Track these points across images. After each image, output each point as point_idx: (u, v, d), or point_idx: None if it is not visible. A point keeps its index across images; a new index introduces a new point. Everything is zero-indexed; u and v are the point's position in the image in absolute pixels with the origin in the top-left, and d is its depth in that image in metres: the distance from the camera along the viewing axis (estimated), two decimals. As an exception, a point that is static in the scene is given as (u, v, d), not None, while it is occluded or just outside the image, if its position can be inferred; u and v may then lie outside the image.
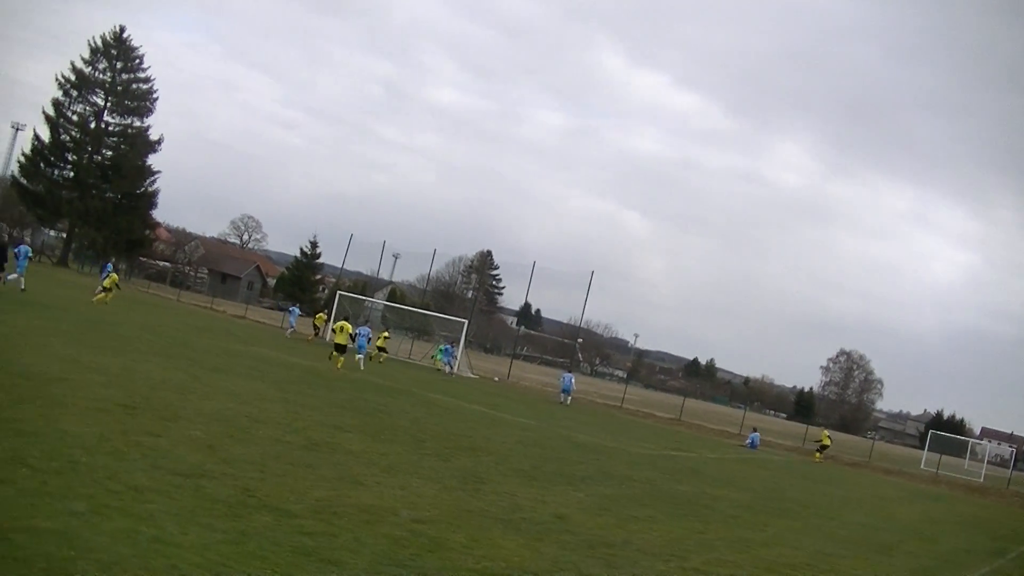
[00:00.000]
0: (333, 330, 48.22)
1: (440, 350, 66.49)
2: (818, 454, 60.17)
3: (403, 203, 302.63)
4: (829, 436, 63.48)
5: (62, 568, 7.89)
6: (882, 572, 18.27)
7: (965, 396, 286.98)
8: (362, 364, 49.02)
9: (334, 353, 44.23)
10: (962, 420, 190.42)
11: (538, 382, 71.92)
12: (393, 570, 10.50)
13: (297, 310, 67.70)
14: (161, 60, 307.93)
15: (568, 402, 59.94)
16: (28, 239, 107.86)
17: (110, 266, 51.95)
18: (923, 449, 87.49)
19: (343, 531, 11.73)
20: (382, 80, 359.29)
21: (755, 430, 61.70)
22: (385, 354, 61.55)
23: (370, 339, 56.24)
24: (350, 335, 46.10)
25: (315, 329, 63.30)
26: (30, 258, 48.54)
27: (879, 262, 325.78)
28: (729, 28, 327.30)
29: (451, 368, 64.57)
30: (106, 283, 52.16)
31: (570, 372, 66.73)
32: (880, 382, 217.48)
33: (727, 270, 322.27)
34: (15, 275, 45.21)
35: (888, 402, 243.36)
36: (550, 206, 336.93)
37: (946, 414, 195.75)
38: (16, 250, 48.16)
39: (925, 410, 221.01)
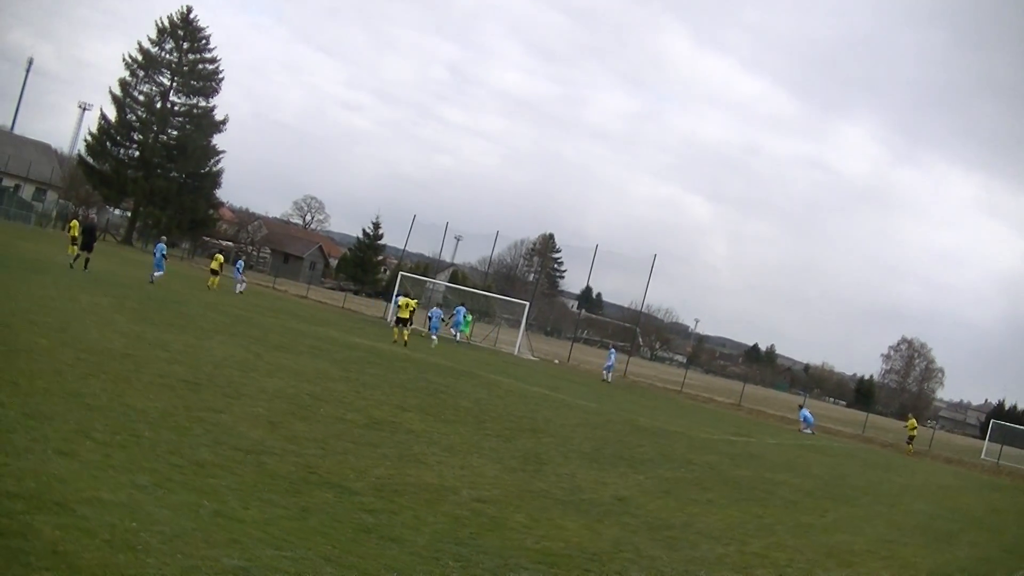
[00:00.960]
0: (399, 305, 49.99)
1: (451, 319, 64.75)
2: (910, 446, 60.06)
3: (466, 185, 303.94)
4: (915, 423, 63.17)
5: (125, 539, 7.92)
6: (944, 561, 18.07)
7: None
8: (433, 343, 51.21)
9: (395, 328, 48.28)
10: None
11: (598, 365, 71.66)
12: (453, 548, 10.49)
13: (242, 263, 65.70)
14: (227, 41, 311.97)
15: (609, 378, 60.18)
16: (95, 218, 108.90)
17: (163, 245, 52.16)
18: (984, 439, 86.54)
19: (403, 509, 11.75)
20: (447, 62, 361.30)
21: (801, 406, 61.38)
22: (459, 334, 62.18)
23: (443, 319, 56.81)
24: (411, 311, 48.96)
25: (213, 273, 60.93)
26: (164, 256, 51.25)
27: (943, 250, 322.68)
28: (795, 12, 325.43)
29: (458, 334, 63.31)
30: (213, 265, 53.85)
31: (613, 349, 67.03)
32: (941, 371, 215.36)
33: (789, 256, 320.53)
34: (159, 272, 48.65)
35: (949, 391, 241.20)
36: (614, 190, 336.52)
37: (1008, 404, 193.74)
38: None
39: (987, 400, 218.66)
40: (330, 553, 9.22)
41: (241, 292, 57.99)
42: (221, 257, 60.85)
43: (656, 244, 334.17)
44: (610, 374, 61.29)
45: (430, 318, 57.10)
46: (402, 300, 49.95)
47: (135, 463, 10.68)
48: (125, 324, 24.50)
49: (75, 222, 53.00)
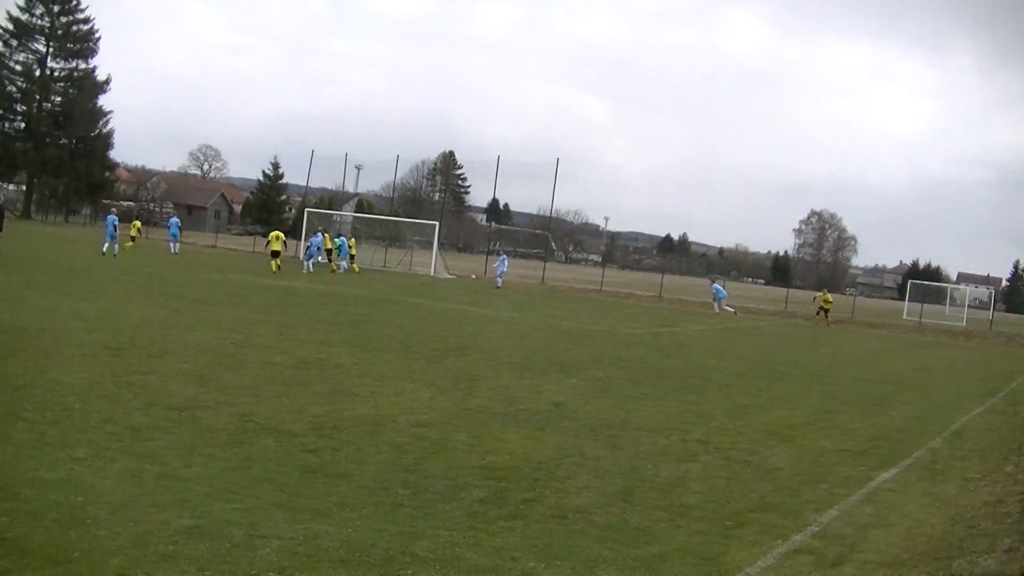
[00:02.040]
0: (269, 240, 54.41)
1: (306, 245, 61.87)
2: (824, 317, 56.41)
3: (361, 115, 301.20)
4: (829, 297, 58.99)
5: (73, 515, 7.86)
6: (881, 424, 18.42)
7: (939, 244, 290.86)
8: (305, 270, 54.43)
9: (272, 260, 52.24)
10: (938, 268, 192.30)
11: (515, 275, 71.90)
12: (400, 476, 10.52)
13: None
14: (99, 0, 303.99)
15: (500, 284, 59.96)
16: (2, 198, 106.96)
17: (114, 217, 51.61)
18: (904, 300, 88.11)
19: (345, 444, 11.75)
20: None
21: (713, 281, 62.14)
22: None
23: (320, 248, 56.82)
24: (282, 242, 53.86)
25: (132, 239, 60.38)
26: (181, 228, 55.66)
27: (841, 121, 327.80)
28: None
29: (342, 265, 60.12)
30: (275, 246, 53.35)
31: (504, 255, 67.05)
32: (854, 239, 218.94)
33: (691, 145, 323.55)
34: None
35: (863, 258, 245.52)
36: (509, 101, 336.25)
37: (922, 263, 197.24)
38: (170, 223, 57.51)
39: (901, 262, 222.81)
40: (279, 499, 9.21)
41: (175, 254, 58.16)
42: (138, 223, 61.01)
43: (558, 149, 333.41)
44: (500, 280, 60.79)
45: (308, 246, 57.46)
46: (272, 234, 54.64)
47: (70, 437, 10.56)
48: (37, 299, 24.12)
49: None
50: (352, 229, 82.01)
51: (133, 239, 59.40)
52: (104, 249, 49.67)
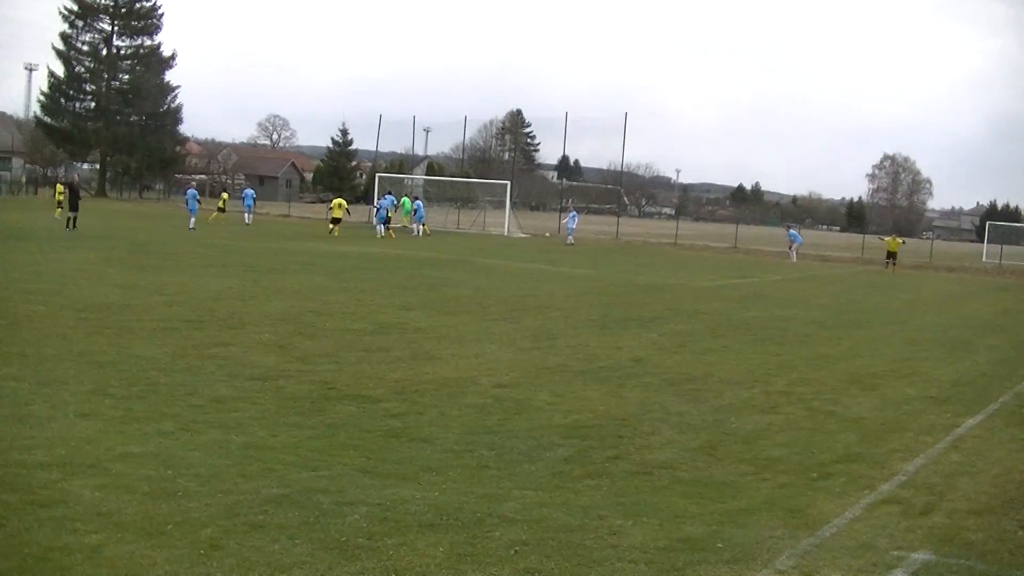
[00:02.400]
0: (331, 206, 57.43)
1: (404, 208, 62.20)
2: (892, 265, 54.25)
3: (426, 78, 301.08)
4: (899, 240, 56.78)
5: (164, 488, 7.96)
6: (964, 369, 18.21)
7: (1017, 184, 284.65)
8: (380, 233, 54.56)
9: (331, 225, 54.21)
10: (1017, 207, 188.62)
11: (590, 231, 71.65)
12: (484, 438, 10.56)
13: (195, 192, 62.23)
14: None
15: (571, 240, 59.71)
16: (76, 177, 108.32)
17: (194, 191, 52.56)
18: (982, 242, 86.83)
19: (428, 408, 11.81)
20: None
21: (789, 228, 61.63)
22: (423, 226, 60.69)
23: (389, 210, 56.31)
24: (345, 210, 55.69)
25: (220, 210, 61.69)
26: (255, 199, 58.34)
27: (910, 61, 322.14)
28: None
29: (418, 228, 59.71)
30: (336, 213, 54.66)
31: (574, 212, 66.85)
32: (929, 181, 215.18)
33: (760, 93, 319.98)
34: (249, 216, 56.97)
35: (939, 200, 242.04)
36: (575, 55, 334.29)
37: (999, 204, 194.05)
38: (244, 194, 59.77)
39: (978, 203, 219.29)
40: (364, 464, 9.29)
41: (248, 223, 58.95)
42: (226, 195, 62.77)
43: (626, 103, 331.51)
44: (571, 237, 60.45)
45: (377, 209, 57.23)
46: (335, 201, 57.29)
47: (157, 411, 10.71)
48: (118, 276, 24.40)
49: (59, 185, 52.93)
50: (424, 192, 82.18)
51: (222, 210, 61.59)
52: (192, 225, 50.20)
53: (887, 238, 58.41)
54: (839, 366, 17.42)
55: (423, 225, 59.05)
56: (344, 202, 56.63)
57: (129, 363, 13.24)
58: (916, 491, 9.54)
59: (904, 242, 57.82)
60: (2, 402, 10.66)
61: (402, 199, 62.77)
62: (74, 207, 42.54)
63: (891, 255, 54.90)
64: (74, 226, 41.39)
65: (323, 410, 11.38)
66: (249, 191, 64.47)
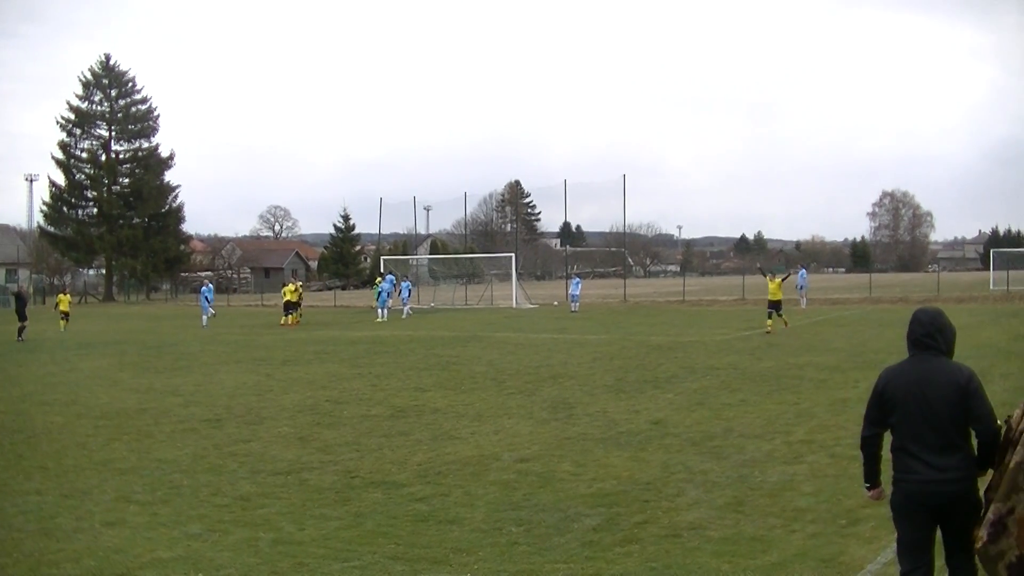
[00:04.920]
0: (284, 291, 52.69)
1: (377, 291, 57.85)
2: (777, 316, 37.35)
3: (423, 156, 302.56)
4: (778, 279, 38.38)
5: (196, 592, 7.97)
6: (983, 398, 18.12)
7: (1017, 208, 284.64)
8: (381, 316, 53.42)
9: (284, 315, 50.94)
10: (1019, 232, 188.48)
11: (597, 295, 71.83)
12: (511, 514, 10.56)
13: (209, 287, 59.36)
14: (152, 78, 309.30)
15: (575, 308, 59.20)
16: (69, 282, 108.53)
17: (206, 288, 51.97)
18: (988, 270, 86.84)
19: (453, 489, 11.81)
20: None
21: (801, 267, 61.25)
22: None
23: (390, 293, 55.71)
24: (299, 295, 52.60)
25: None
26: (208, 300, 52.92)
27: (900, 98, 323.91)
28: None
29: (383, 311, 55.58)
30: (290, 297, 51.50)
31: (577, 278, 66.45)
32: (929, 214, 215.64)
33: (754, 142, 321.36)
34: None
35: (942, 232, 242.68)
36: (568, 122, 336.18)
37: (1001, 230, 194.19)
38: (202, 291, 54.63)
39: (980, 231, 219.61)
40: (395, 551, 9.29)
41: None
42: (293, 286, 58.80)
43: (622, 164, 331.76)
44: (576, 304, 60.00)
45: (379, 292, 55.43)
46: (287, 287, 52.91)
47: (182, 514, 10.73)
48: (131, 380, 24.51)
49: (62, 296, 52.04)
50: (429, 271, 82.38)
51: (293, 307, 52.22)
52: (204, 322, 50.17)
53: (768, 276, 39.95)
54: (858, 409, 17.26)
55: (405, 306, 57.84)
56: (297, 285, 54.64)
57: (151, 467, 13.29)
58: (946, 530, 9.52)
59: (786, 278, 40.30)
60: (27, 517, 10.71)
61: (376, 281, 62.04)
62: (22, 316, 42.21)
63: (774, 305, 37.36)
64: (22, 337, 40.94)
65: (349, 499, 11.39)
66: (205, 287, 59.91)
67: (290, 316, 50.69)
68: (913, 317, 7.21)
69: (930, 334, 7.01)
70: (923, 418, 6.67)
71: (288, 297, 51.46)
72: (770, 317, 37.23)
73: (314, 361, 28.82)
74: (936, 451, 6.59)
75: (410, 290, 59.78)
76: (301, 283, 62.44)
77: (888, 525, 9.69)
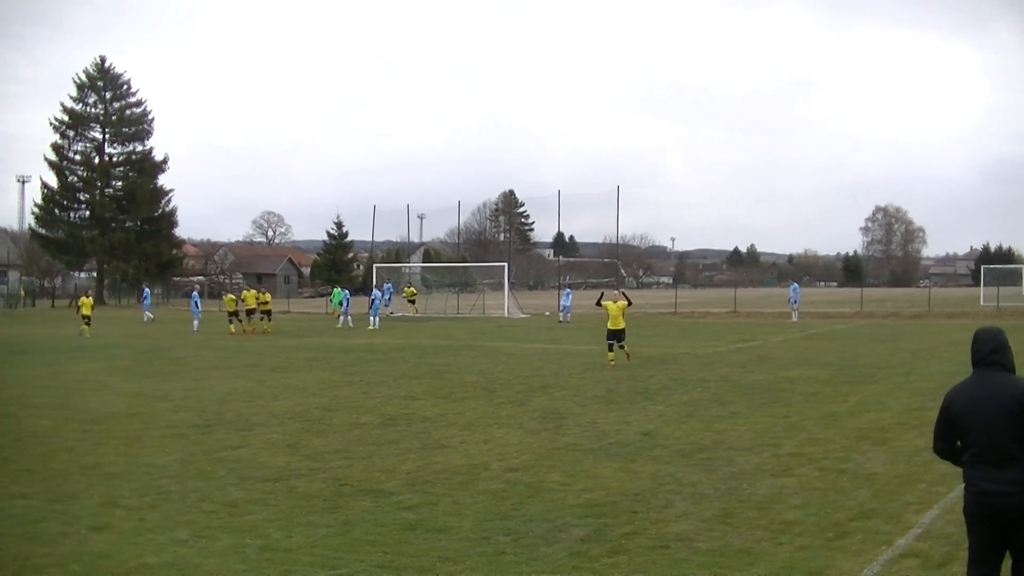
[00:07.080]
0: (224, 301, 52.01)
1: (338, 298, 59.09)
2: (619, 348, 29.20)
3: (417, 164, 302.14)
4: (622, 302, 29.95)
5: (182, 598, 7.95)
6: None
7: (1009, 225, 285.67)
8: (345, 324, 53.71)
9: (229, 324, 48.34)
10: (1010, 249, 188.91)
11: (588, 306, 71.69)
12: (499, 524, 10.54)
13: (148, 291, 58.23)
14: (148, 81, 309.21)
15: (568, 318, 59.77)
16: (59, 284, 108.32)
17: (196, 294, 51.47)
18: (979, 286, 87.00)
19: (441, 498, 11.79)
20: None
21: (794, 281, 61.14)
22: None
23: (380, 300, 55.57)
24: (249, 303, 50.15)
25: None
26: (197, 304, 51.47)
27: (895, 113, 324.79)
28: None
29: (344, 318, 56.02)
30: (229, 307, 49.73)
31: (568, 289, 66.81)
32: (921, 230, 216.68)
33: (748, 155, 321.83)
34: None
35: (933, 247, 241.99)
36: (562, 133, 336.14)
37: (992, 247, 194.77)
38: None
39: (971, 247, 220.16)
40: (382, 559, 9.28)
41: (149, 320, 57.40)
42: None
43: (616, 175, 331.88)
44: (568, 314, 60.12)
45: (373, 300, 54.81)
46: (225, 297, 52.84)
47: (170, 520, 10.72)
48: (121, 384, 24.49)
49: (84, 298, 50.58)
50: (422, 279, 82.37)
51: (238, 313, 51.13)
52: (195, 327, 49.55)
53: (608, 300, 30.65)
54: (848, 423, 17.42)
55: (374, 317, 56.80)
56: (260, 292, 52.74)
57: (139, 472, 13.26)
58: (933, 542, 9.56)
59: (629, 304, 30.71)
60: (13, 521, 10.69)
61: (334, 289, 61.66)
62: None
63: (615, 335, 29.38)
64: None
65: (337, 507, 11.37)
66: (195, 291, 58.29)
67: (243, 323, 48.98)
68: (974, 337, 7.38)
69: (993, 351, 7.15)
70: (984, 432, 6.81)
71: (228, 307, 49.63)
72: (611, 349, 29.25)
73: (305, 368, 28.81)
74: (996, 464, 6.72)
75: (379, 299, 58.39)
76: (265, 291, 58.49)
77: (874, 539, 9.76)
